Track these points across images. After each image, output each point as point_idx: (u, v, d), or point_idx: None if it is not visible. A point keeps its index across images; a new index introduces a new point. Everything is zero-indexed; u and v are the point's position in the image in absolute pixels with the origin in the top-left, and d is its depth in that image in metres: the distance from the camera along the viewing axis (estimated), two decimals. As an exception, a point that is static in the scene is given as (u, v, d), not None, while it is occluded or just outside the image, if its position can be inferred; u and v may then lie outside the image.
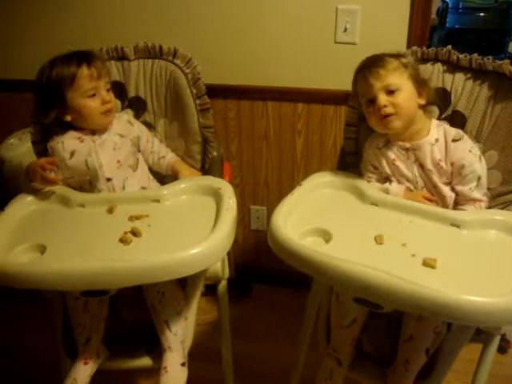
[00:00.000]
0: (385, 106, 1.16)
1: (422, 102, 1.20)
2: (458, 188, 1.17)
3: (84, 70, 1.23)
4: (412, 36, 1.64)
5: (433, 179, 1.19)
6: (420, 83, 1.19)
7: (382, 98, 1.16)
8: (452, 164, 1.16)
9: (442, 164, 1.17)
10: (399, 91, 1.16)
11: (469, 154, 1.16)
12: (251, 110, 1.88)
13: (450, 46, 1.26)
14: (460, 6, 3.51)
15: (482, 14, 3.49)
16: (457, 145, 1.17)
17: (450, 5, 3.51)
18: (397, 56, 1.20)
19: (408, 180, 1.22)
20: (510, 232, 1.06)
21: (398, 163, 1.22)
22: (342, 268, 0.93)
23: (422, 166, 1.20)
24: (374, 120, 1.20)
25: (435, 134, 1.19)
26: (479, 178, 1.16)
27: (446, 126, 1.22)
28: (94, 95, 1.25)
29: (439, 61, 1.27)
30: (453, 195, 1.18)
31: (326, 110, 1.82)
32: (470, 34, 3.43)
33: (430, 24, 1.70)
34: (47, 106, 1.25)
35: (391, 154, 1.23)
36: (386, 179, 1.25)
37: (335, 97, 1.76)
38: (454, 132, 1.19)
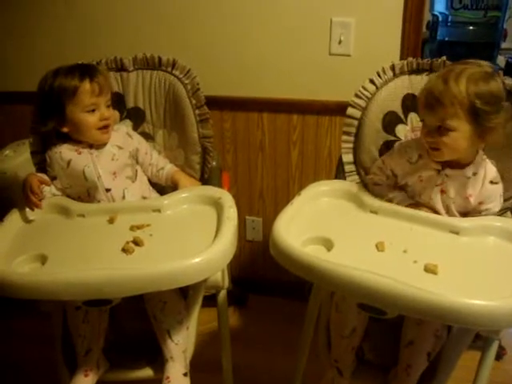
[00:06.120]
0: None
1: (481, 144, 1.13)
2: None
3: (86, 85, 1.23)
4: (405, 48, 1.67)
5: (451, 207, 1.17)
6: (488, 130, 1.08)
7: (430, 136, 1.12)
8: (480, 203, 1.15)
9: (471, 199, 1.15)
10: (453, 132, 1.08)
11: (498, 198, 1.16)
12: (247, 121, 1.89)
13: (444, 57, 1.28)
14: (449, 20, 3.58)
15: (471, 28, 3.56)
16: (493, 188, 1.15)
17: (440, 18, 3.58)
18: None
19: (422, 197, 1.19)
20: (507, 238, 1.08)
21: (423, 180, 1.19)
22: (347, 275, 0.94)
23: (443, 192, 1.17)
24: (423, 138, 1.15)
25: (475, 168, 1.14)
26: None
27: (489, 163, 1.17)
28: (93, 110, 1.25)
29: (434, 71, 1.29)
30: None
31: (321, 120, 1.83)
32: (460, 46, 3.49)
33: (421, 36, 1.74)
34: (47, 114, 1.26)
35: (421, 171, 1.19)
36: (394, 187, 1.25)
37: (330, 108, 1.77)
38: (493, 173, 1.16)
